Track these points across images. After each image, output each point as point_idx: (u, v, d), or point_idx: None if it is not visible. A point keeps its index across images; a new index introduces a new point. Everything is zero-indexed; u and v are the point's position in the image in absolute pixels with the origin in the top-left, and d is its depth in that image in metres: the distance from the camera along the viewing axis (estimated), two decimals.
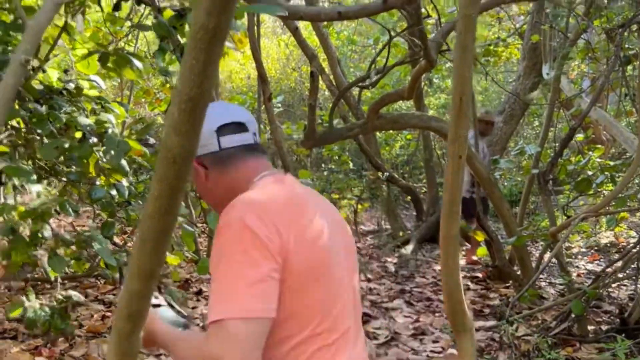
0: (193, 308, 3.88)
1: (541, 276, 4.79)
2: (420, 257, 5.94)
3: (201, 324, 3.37)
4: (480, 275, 5.21)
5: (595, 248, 6.35)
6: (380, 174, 6.46)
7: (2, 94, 1.02)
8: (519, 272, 4.55)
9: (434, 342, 3.53)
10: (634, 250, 3.59)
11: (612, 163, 4.16)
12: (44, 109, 1.92)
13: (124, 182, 2.07)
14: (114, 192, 2.03)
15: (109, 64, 1.95)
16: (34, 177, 1.79)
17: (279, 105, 7.96)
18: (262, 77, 4.07)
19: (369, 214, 8.64)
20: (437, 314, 4.07)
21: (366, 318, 3.90)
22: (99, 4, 1.92)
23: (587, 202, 5.44)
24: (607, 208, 3.66)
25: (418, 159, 9.07)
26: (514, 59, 7.88)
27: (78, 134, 1.94)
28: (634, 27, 3.69)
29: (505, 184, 8.70)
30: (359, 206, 7.16)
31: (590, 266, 5.66)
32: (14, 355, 2.92)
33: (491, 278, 5.00)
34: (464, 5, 0.96)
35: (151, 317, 1.24)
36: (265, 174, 1.28)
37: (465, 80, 0.97)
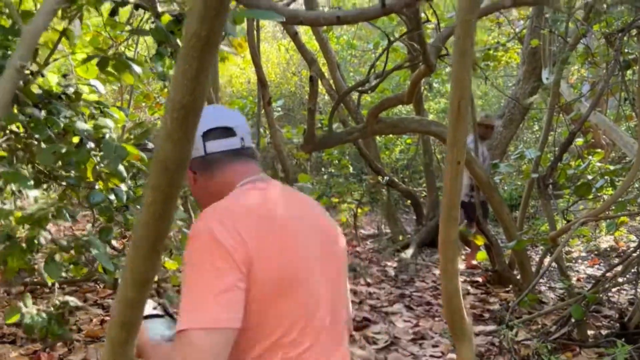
0: None
1: (541, 280, 4.78)
2: (420, 261, 5.93)
3: None
4: (480, 279, 5.20)
5: (595, 252, 6.34)
6: (380, 178, 6.46)
7: None
8: (518, 277, 4.55)
9: (433, 346, 3.52)
10: (634, 255, 3.59)
11: (611, 167, 4.16)
12: (42, 113, 1.92)
13: (123, 187, 2.07)
14: (112, 196, 2.03)
15: (108, 69, 1.95)
16: (31, 182, 1.79)
17: (279, 109, 7.97)
18: (261, 82, 4.08)
19: (369, 218, 8.63)
20: (436, 319, 4.06)
21: (366, 322, 3.90)
22: (96, 9, 1.92)
23: (587, 207, 5.44)
24: (607, 212, 3.65)
25: (418, 163, 9.07)
26: (514, 64, 7.89)
27: (76, 139, 1.94)
28: (634, 31, 3.69)
29: (505, 188, 8.69)
30: (359, 210, 7.15)
31: (590, 270, 5.65)
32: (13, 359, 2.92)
33: (491, 282, 4.99)
34: (462, 11, 0.96)
35: (140, 330, 1.24)
36: (248, 180, 1.28)
37: (464, 86, 0.97)
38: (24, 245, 1.91)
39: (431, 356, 3.39)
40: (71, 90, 2.24)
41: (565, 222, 3.91)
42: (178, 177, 0.43)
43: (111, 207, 2.07)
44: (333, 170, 8.65)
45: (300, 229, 1.24)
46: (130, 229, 3.32)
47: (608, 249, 6.35)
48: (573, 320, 3.33)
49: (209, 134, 1.28)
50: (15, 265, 1.82)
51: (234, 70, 11.11)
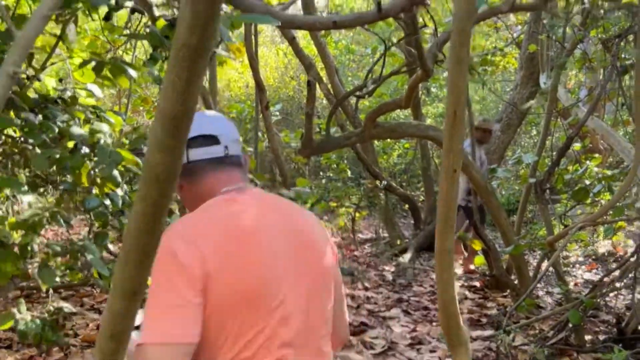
0: None
1: (539, 285, 4.77)
2: (418, 265, 5.93)
3: None
4: (477, 284, 5.19)
5: (593, 257, 6.34)
6: (378, 182, 6.46)
7: None
8: (516, 281, 4.54)
9: (431, 351, 3.51)
10: (632, 260, 3.59)
11: (609, 172, 4.16)
12: (38, 118, 1.91)
13: (119, 192, 2.06)
14: (108, 201, 2.03)
15: (104, 73, 1.95)
16: (25, 187, 1.78)
17: (277, 113, 7.96)
18: (259, 86, 4.08)
19: (367, 222, 8.63)
20: (434, 324, 4.05)
21: (363, 327, 3.89)
22: (89, 14, 1.92)
23: (584, 211, 5.44)
24: (605, 217, 3.65)
25: (416, 168, 9.07)
26: (512, 69, 7.90)
27: (71, 144, 1.93)
28: (630, 37, 3.70)
29: (503, 192, 8.70)
30: (357, 214, 7.15)
31: (587, 275, 5.65)
32: None
33: (489, 287, 4.98)
34: (459, 19, 0.96)
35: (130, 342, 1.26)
36: (227, 189, 1.28)
37: (459, 93, 0.97)
38: (17, 251, 1.91)
39: None
40: (68, 94, 2.23)
41: (563, 227, 3.91)
42: (168, 187, 0.43)
43: (107, 212, 2.06)
44: (331, 175, 8.66)
45: (271, 240, 1.22)
46: None
47: (606, 254, 6.35)
48: (570, 325, 3.32)
49: (192, 142, 1.29)
50: (9, 271, 1.81)
51: (232, 74, 11.12)
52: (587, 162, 4.30)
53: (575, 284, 5.18)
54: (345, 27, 2.06)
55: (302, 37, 8.65)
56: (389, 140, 8.15)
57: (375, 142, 7.57)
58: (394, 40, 3.89)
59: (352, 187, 8.14)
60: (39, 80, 2.17)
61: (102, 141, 1.92)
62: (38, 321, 2.12)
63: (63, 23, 1.88)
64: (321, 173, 9.52)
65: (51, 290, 2.81)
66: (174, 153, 0.42)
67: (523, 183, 4.55)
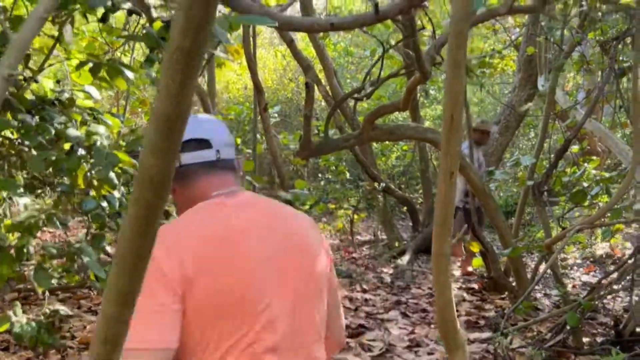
0: None
1: (536, 287, 4.78)
2: (416, 267, 5.92)
3: None
4: (475, 286, 5.19)
5: (591, 259, 6.34)
6: (376, 184, 6.46)
7: None
8: (514, 284, 4.54)
9: (429, 354, 3.51)
10: (630, 262, 3.59)
11: (607, 174, 4.17)
12: (35, 120, 1.91)
13: (116, 194, 2.06)
14: (105, 203, 2.02)
15: (101, 74, 1.95)
16: (21, 189, 1.78)
17: (276, 115, 7.97)
18: (257, 88, 4.08)
19: (366, 224, 8.63)
20: (432, 326, 4.05)
21: (361, 329, 3.88)
22: (86, 16, 1.91)
23: (582, 214, 5.44)
24: (603, 219, 3.66)
25: (414, 170, 9.08)
26: (510, 71, 7.92)
27: (67, 146, 1.93)
28: (628, 39, 3.71)
29: (501, 194, 8.71)
30: (356, 216, 7.16)
31: (585, 277, 5.65)
32: None
33: (487, 289, 4.98)
34: (455, 21, 0.96)
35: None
36: (216, 194, 1.28)
37: (457, 97, 0.97)
38: (13, 253, 1.90)
39: None
40: (65, 96, 2.23)
41: (561, 229, 3.91)
42: (162, 191, 0.43)
43: (104, 214, 2.06)
44: (330, 177, 8.66)
45: (258, 244, 1.22)
46: None
47: (604, 256, 6.35)
48: (568, 327, 3.32)
49: (184, 146, 1.29)
50: (5, 273, 1.81)
51: (231, 76, 11.13)
52: (585, 164, 4.31)
53: (573, 286, 5.18)
54: (343, 29, 2.06)
55: (301, 39, 8.66)
56: (387, 142, 8.15)
57: (374, 144, 7.57)
58: (392, 42, 3.89)
59: (350, 189, 8.14)
60: (36, 81, 2.16)
61: (98, 143, 1.92)
62: (34, 324, 2.11)
63: (59, 24, 1.88)
64: (320, 175, 9.52)
65: (48, 293, 2.80)
66: (167, 156, 0.42)
67: (521, 185, 4.55)
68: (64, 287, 3.93)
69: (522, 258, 4.62)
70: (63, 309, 2.56)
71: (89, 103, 2.62)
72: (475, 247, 4.72)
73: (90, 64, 1.92)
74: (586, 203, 4.09)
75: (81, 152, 1.88)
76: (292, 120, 11.08)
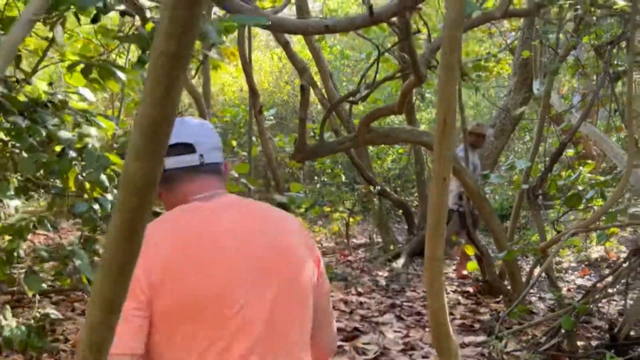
0: None
1: (531, 291, 4.78)
2: (411, 271, 5.92)
3: None
4: (470, 289, 5.19)
5: (586, 263, 6.35)
6: (372, 187, 6.46)
7: None
8: (509, 287, 4.54)
9: (423, 357, 3.50)
10: (624, 266, 3.59)
11: (602, 178, 4.17)
12: (26, 122, 1.90)
13: (109, 196, 2.05)
14: (97, 206, 2.01)
15: (93, 76, 1.93)
16: (11, 192, 1.77)
17: (272, 117, 7.97)
18: (252, 90, 4.08)
19: (361, 227, 8.63)
20: (427, 329, 4.04)
21: (356, 333, 3.88)
22: (77, 17, 1.90)
23: (577, 217, 5.45)
24: (598, 223, 3.66)
25: (410, 173, 9.09)
26: (505, 74, 7.94)
27: (59, 148, 1.92)
28: (623, 44, 3.72)
29: (497, 198, 8.72)
30: (351, 219, 7.15)
31: (580, 281, 5.66)
32: None
33: (481, 292, 4.98)
34: (449, 25, 0.95)
35: None
36: (198, 197, 1.28)
37: (450, 101, 0.96)
38: (3, 256, 1.89)
39: None
40: (58, 98, 2.21)
41: (556, 232, 3.91)
42: (147, 197, 0.42)
43: (95, 216, 2.04)
44: (325, 179, 8.66)
45: (233, 247, 1.20)
46: None
47: (598, 260, 6.36)
48: (563, 331, 3.32)
49: (168, 150, 1.28)
50: None
51: (227, 78, 11.11)
52: (580, 168, 4.32)
53: (568, 290, 5.19)
54: (338, 31, 2.06)
55: (297, 41, 8.65)
56: (383, 145, 8.16)
57: (370, 147, 7.58)
58: (388, 45, 3.89)
59: (346, 192, 8.14)
60: (29, 83, 2.15)
61: (90, 145, 1.91)
62: (23, 327, 2.09)
63: (51, 25, 1.87)
64: (315, 178, 9.51)
65: (39, 296, 2.78)
66: (152, 160, 0.41)
67: (516, 189, 4.56)
68: (57, 290, 3.90)
69: (517, 261, 4.63)
70: (54, 313, 2.53)
71: (83, 105, 2.61)
72: (470, 251, 4.72)
73: (82, 65, 1.91)
74: (581, 206, 4.09)
75: (72, 154, 1.87)
76: (288, 122, 11.08)
